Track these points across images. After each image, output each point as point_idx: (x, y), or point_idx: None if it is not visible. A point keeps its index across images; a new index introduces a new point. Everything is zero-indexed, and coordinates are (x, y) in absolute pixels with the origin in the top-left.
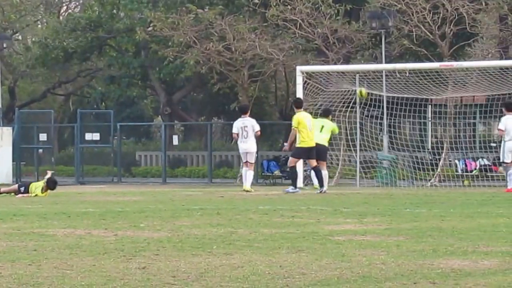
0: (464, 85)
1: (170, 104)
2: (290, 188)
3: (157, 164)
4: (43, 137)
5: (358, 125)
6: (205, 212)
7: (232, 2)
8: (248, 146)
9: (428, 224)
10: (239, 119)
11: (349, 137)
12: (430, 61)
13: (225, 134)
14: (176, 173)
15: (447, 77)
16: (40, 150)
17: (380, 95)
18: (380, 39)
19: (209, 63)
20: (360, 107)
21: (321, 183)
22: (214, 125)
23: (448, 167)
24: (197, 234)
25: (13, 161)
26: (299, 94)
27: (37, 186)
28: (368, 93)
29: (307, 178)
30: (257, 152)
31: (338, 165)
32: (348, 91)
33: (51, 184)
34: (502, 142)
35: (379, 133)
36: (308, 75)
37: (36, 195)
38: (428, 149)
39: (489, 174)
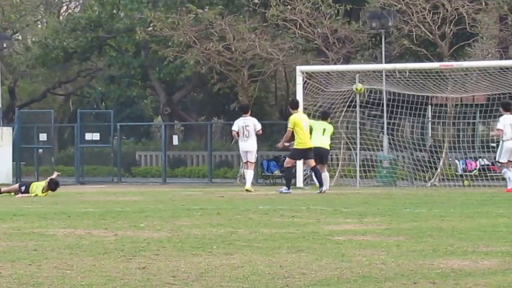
0: (464, 85)
1: (170, 104)
2: (284, 189)
3: (157, 164)
4: (43, 137)
5: (358, 125)
6: (205, 212)
7: (232, 2)
8: (248, 145)
9: (428, 224)
10: (240, 118)
11: (349, 137)
12: (430, 61)
13: (225, 134)
14: (176, 173)
15: (447, 77)
16: (40, 150)
17: (380, 95)
18: (380, 39)
19: (209, 63)
20: (360, 107)
21: (320, 183)
22: (214, 125)
23: (448, 167)
24: (197, 234)
25: (13, 161)
26: (299, 94)
27: (38, 186)
28: (366, 89)
29: (307, 178)
30: (257, 152)
31: (338, 165)
32: (348, 91)
33: (52, 185)
34: (500, 141)
35: (379, 133)
36: (308, 75)
37: (36, 194)
38: (425, 148)
39: (489, 174)
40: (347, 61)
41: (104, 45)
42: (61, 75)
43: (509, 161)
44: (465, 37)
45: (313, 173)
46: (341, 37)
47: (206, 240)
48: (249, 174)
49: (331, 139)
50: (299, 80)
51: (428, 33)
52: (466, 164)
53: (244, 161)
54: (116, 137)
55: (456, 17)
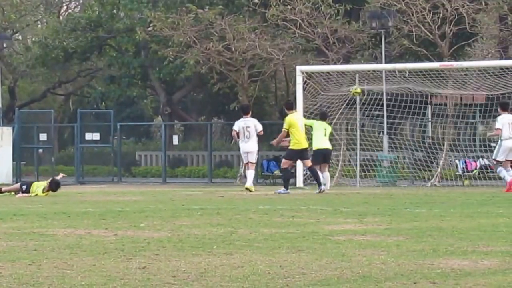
0: (464, 85)
1: (170, 104)
2: (282, 190)
3: (157, 164)
4: (43, 137)
5: (358, 125)
6: (205, 212)
7: (232, 2)
8: (249, 146)
9: (428, 224)
10: (241, 119)
11: (349, 137)
12: (430, 61)
13: (225, 134)
14: (176, 173)
15: (447, 77)
16: (40, 150)
17: (380, 95)
18: (380, 39)
19: (209, 63)
20: (360, 107)
21: (318, 182)
22: (214, 125)
23: (448, 167)
24: (197, 234)
25: (13, 161)
26: (299, 94)
27: (39, 186)
28: (365, 89)
29: (307, 178)
30: (257, 152)
31: (338, 165)
32: (346, 94)
33: (53, 185)
34: (499, 140)
35: (379, 133)
36: (308, 75)
37: (36, 194)
38: (424, 145)
39: (489, 174)
40: (347, 61)
41: (104, 45)
42: (61, 75)
43: (507, 160)
44: (465, 37)
45: (310, 173)
46: (341, 37)
47: (206, 240)
48: (250, 173)
49: (333, 138)
50: (299, 80)
51: (428, 33)
52: (466, 164)
53: (245, 162)
54: (116, 137)
55: (456, 17)
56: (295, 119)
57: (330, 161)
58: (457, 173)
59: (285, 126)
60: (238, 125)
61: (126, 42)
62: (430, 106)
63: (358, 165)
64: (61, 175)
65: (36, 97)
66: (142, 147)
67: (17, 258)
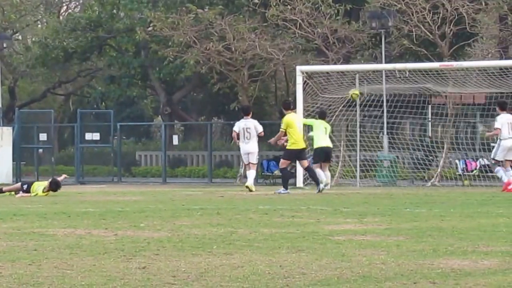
0: (464, 85)
1: (170, 104)
2: (282, 190)
3: (157, 164)
4: (43, 137)
5: (358, 125)
6: (205, 212)
7: (232, 2)
8: (250, 147)
9: (428, 224)
10: (242, 120)
11: (349, 137)
12: (430, 61)
13: (225, 134)
14: (176, 173)
15: (447, 77)
16: (40, 150)
17: (380, 95)
18: (380, 39)
19: (209, 63)
20: (360, 107)
21: (317, 182)
22: (214, 125)
23: (448, 166)
24: (197, 234)
25: (13, 161)
26: (299, 94)
27: (39, 185)
28: (366, 90)
29: (308, 178)
30: (258, 153)
31: (338, 165)
32: (349, 91)
33: (53, 185)
34: (498, 140)
35: (379, 133)
36: (308, 75)
37: (36, 194)
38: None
39: (489, 174)
40: (347, 61)
41: (104, 45)
42: (61, 75)
43: (507, 160)
44: (465, 37)
45: (318, 172)
46: (341, 37)
47: (206, 240)
48: (252, 173)
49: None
50: (299, 80)
51: (428, 33)
52: (466, 164)
53: (246, 162)
54: (116, 137)
55: (456, 17)
56: (293, 119)
57: (331, 160)
58: (457, 173)
59: (282, 126)
60: (239, 126)
61: (126, 42)
62: (430, 106)
63: (358, 165)
64: (63, 176)
65: (36, 97)
66: (142, 147)
67: (17, 258)
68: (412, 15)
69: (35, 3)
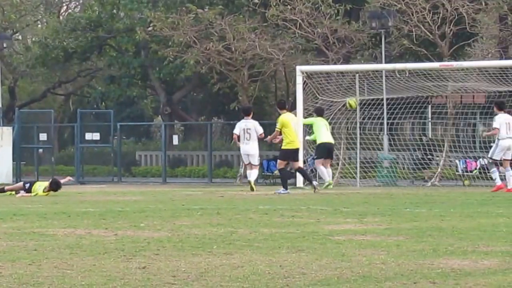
0: (464, 85)
1: (170, 104)
2: (282, 190)
3: (157, 164)
4: (43, 137)
5: (358, 125)
6: (205, 212)
7: (232, 2)
8: (250, 148)
9: (428, 224)
10: (242, 121)
11: (349, 137)
12: (430, 61)
13: (225, 134)
14: (176, 173)
15: (447, 77)
16: (40, 150)
17: (380, 95)
18: (380, 39)
19: (209, 63)
20: (360, 107)
21: (309, 180)
22: (214, 125)
23: (448, 166)
24: (197, 234)
25: (13, 161)
26: (299, 94)
27: (40, 185)
28: (366, 91)
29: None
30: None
31: (338, 165)
32: (349, 90)
33: (54, 185)
34: (496, 140)
35: (379, 133)
36: (308, 75)
37: (36, 194)
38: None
39: (489, 174)
40: (347, 61)
41: (104, 45)
42: (61, 75)
43: (505, 160)
44: (465, 37)
45: (321, 170)
46: (341, 37)
47: (206, 240)
48: (254, 172)
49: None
50: (299, 80)
51: (428, 33)
52: (466, 164)
53: (246, 163)
54: (116, 137)
55: (456, 17)
56: (288, 119)
57: (333, 157)
58: (457, 173)
59: (278, 125)
60: (239, 126)
61: (126, 42)
62: (430, 106)
63: (358, 165)
64: (67, 178)
65: (36, 97)
66: (142, 147)
67: (17, 258)
68: (412, 15)
69: (35, 3)
